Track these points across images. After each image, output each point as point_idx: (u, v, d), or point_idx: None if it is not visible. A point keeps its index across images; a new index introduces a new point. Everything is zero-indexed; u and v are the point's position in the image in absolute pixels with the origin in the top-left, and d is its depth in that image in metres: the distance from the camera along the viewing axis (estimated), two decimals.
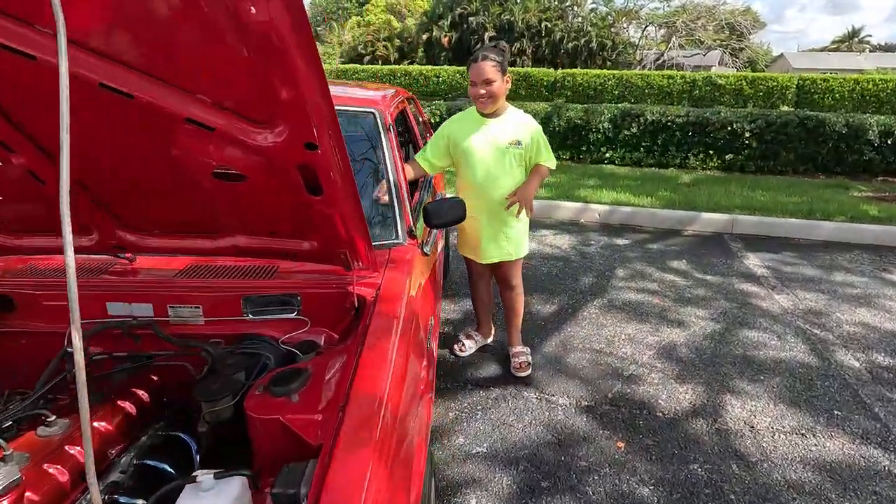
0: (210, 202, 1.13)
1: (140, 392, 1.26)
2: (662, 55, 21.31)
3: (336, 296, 1.36)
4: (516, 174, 2.21)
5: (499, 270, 2.47)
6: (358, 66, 17.28)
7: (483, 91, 2.06)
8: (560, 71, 16.42)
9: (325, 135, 0.92)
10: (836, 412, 2.29)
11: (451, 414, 2.26)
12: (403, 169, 1.83)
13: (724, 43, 21.94)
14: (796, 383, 2.50)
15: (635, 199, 5.29)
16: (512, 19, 21.50)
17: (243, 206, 1.15)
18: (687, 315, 3.15)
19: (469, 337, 2.73)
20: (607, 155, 7.60)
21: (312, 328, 1.39)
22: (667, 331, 2.96)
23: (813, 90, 12.92)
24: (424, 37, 23.05)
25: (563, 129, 7.68)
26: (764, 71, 27.38)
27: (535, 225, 4.82)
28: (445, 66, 17.43)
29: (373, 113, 1.88)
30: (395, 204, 1.68)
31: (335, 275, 1.37)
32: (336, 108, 1.83)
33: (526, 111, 8.00)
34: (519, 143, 2.17)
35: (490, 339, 2.80)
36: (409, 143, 2.74)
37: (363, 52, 23.15)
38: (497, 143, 2.16)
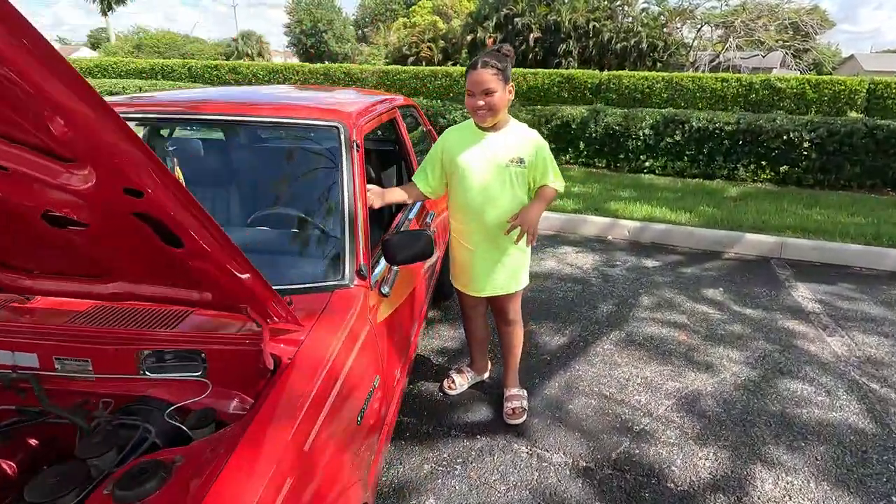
0: (67, 245, 0.92)
1: (8, 461, 1.07)
2: (718, 56, 20.18)
3: (246, 354, 1.13)
4: (517, 196, 1.93)
5: (495, 303, 2.20)
6: (400, 66, 17.21)
7: (481, 102, 1.79)
8: (605, 73, 15.78)
9: (149, 179, 0.68)
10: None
11: (426, 466, 1.99)
12: (364, 195, 1.58)
13: (787, 44, 20.54)
14: (846, 455, 2.08)
15: (672, 214, 4.84)
16: (559, 20, 20.95)
17: (107, 251, 0.93)
18: (717, 357, 2.74)
19: (460, 373, 2.45)
20: (647, 164, 7.10)
21: (223, 391, 1.16)
22: (691, 376, 2.57)
23: (886, 95, 11.79)
24: (469, 38, 22.82)
25: (600, 135, 7.24)
26: (831, 74, 25.49)
27: (556, 241, 4.47)
28: None
29: (337, 127, 1.63)
30: (346, 237, 1.43)
31: (248, 328, 1.13)
32: (293, 121, 1.62)
33: (563, 116, 7.55)
34: (521, 160, 1.90)
35: (486, 376, 2.51)
36: (401, 160, 2.48)
37: (407, 53, 23.18)
38: (496, 160, 1.89)
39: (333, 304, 1.31)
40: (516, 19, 21.29)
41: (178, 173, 1.65)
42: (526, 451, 2.07)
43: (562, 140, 7.55)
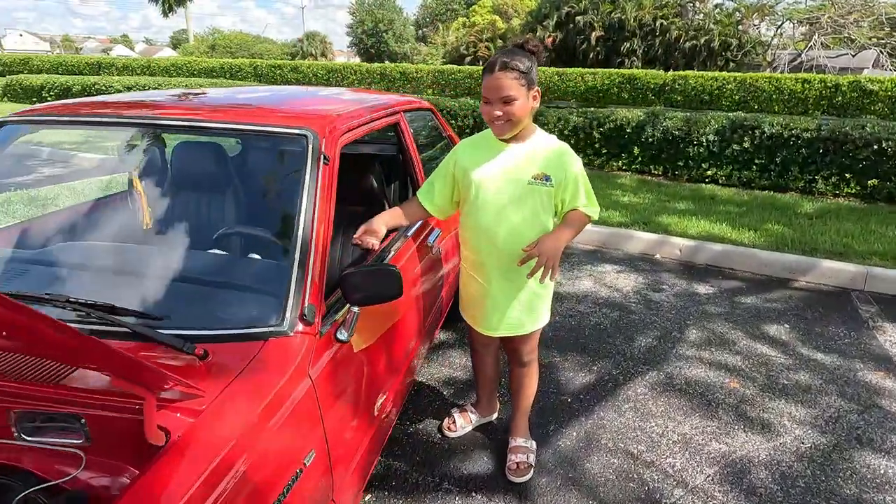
0: None
1: None
2: (799, 55, 18.54)
3: (130, 423, 0.90)
4: (539, 220, 1.63)
5: (508, 343, 1.89)
6: (455, 66, 17.04)
7: (498, 112, 1.51)
8: (670, 73, 14.85)
9: None
10: None
11: None
12: (329, 219, 1.32)
13: (882, 41, 18.55)
14: None
15: (733, 232, 4.29)
16: (623, 17, 20.06)
17: None
18: (777, 414, 2.29)
19: (463, 412, 2.16)
20: (709, 172, 6.46)
21: (106, 462, 0.94)
22: (742, 437, 2.14)
23: None
24: (527, 37, 22.33)
25: (657, 139, 6.67)
26: None
27: (595, 258, 4.06)
28: (544, 68, 16.61)
29: (305, 136, 1.39)
30: (293, 271, 1.18)
31: (134, 392, 0.91)
32: (254, 128, 1.39)
33: (617, 119, 7.00)
34: (547, 178, 1.60)
35: (493, 417, 2.21)
36: (404, 172, 2.20)
37: (465, 52, 22.99)
38: (517, 176, 1.61)
39: (263, 357, 1.06)
40: (578, 17, 20.58)
41: (137, 184, 1.46)
42: None
43: (614, 145, 7.05)
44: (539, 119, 7.24)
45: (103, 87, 11.37)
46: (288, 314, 1.13)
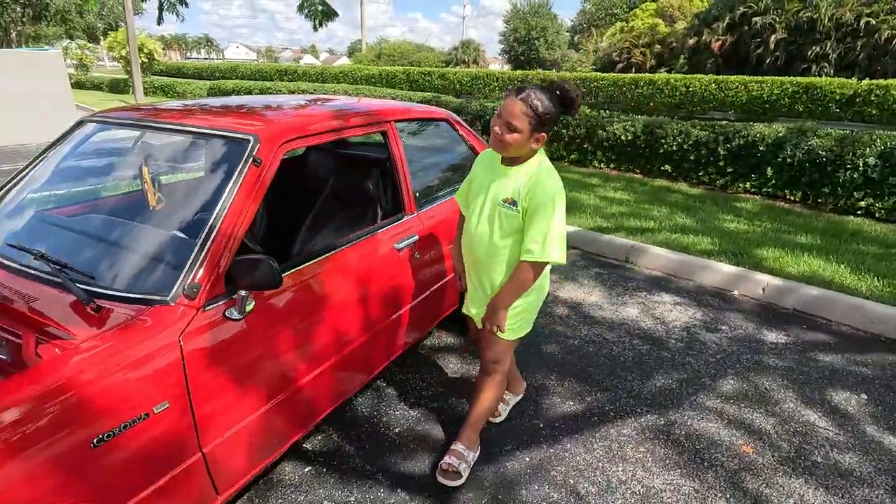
0: None
1: None
2: None
3: (18, 346, 1.20)
4: (500, 243, 1.73)
5: (481, 339, 1.94)
6: (599, 74, 16.38)
7: (498, 130, 1.61)
8: (865, 81, 12.37)
9: None
10: None
11: None
12: (250, 214, 1.52)
13: None
14: None
15: (851, 276, 3.54)
16: (815, 17, 17.27)
17: None
18: (784, 493, 1.91)
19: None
20: (862, 203, 5.35)
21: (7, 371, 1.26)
22: None
23: None
24: (691, 42, 20.43)
25: (798, 160, 5.72)
26: None
27: (657, 286, 3.69)
28: (700, 76, 15.14)
29: (247, 140, 1.62)
30: (193, 252, 1.41)
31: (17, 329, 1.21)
32: (206, 130, 1.67)
33: (748, 134, 6.65)
34: (513, 202, 1.67)
35: (523, 393, 2.41)
36: (390, 178, 2.31)
37: (616, 59, 21.90)
38: (495, 196, 1.72)
39: (144, 318, 1.30)
40: (755, 18, 18.28)
41: (145, 172, 1.84)
42: None
43: (742, 163, 6.22)
44: (657, 132, 6.71)
45: (273, 91, 13.40)
46: (175, 287, 1.36)
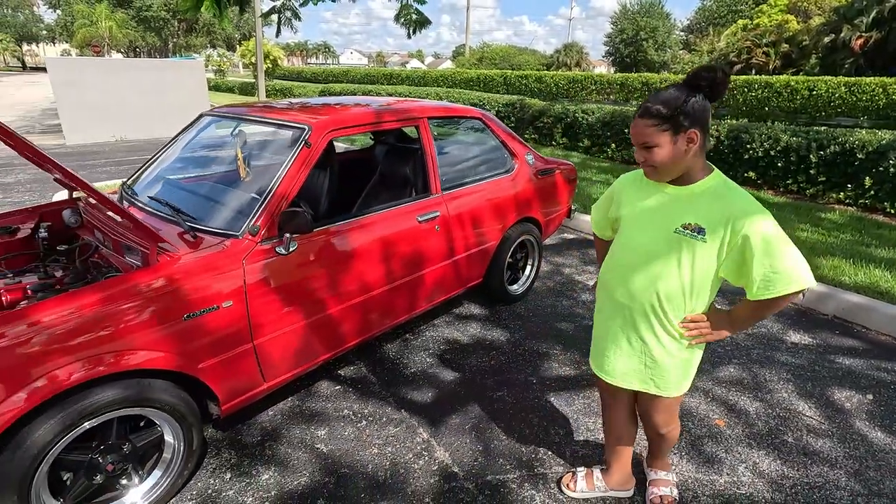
0: None
1: None
2: None
3: (144, 254, 1.88)
4: (683, 278, 1.41)
5: (638, 403, 1.73)
6: None
7: (640, 158, 1.40)
8: None
9: None
10: None
11: None
12: (298, 183, 2.10)
13: None
14: None
15: None
16: None
17: None
18: (739, 460, 2.09)
19: (589, 475, 1.92)
20: None
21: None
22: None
23: None
24: (826, 39, 18.42)
25: None
26: None
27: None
28: (827, 77, 13.78)
29: (302, 128, 2.23)
30: (257, 207, 2.02)
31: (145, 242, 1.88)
32: (279, 121, 2.29)
33: (845, 141, 7.06)
34: (700, 230, 1.36)
35: (627, 494, 1.90)
36: (421, 168, 2.81)
37: (735, 60, 20.39)
38: (666, 221, 1.42)
39: (223, 245, 1.93)
40: None
41: (239, 152, 2.53)
42: None
43: (837, 172, 5.84)
44: (742, 137, 6.48)
45: (373, 93, 14.59)
46: (243, 228, 1.98)
